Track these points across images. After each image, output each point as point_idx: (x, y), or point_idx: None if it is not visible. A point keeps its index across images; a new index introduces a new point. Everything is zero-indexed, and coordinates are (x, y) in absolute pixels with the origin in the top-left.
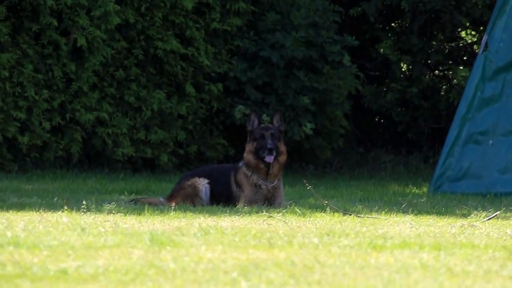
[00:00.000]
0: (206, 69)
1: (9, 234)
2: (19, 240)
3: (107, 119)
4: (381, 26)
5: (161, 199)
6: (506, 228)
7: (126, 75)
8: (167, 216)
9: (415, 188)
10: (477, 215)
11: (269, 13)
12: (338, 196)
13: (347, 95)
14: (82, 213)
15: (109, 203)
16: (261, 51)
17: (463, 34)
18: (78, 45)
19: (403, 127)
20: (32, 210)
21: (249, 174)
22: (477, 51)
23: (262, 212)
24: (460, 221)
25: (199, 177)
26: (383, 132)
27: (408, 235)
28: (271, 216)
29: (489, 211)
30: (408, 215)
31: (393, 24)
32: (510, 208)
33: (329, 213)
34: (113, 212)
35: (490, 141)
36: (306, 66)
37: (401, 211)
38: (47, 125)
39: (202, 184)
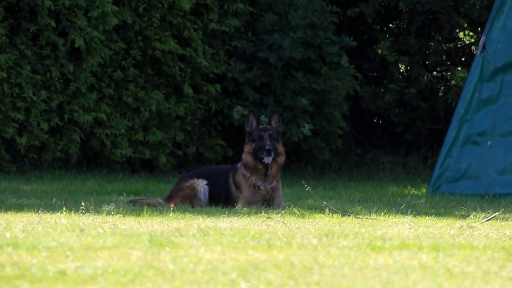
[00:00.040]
0: (204, 70)
1: (8, 235)
2: (18, 241)
3: (105, 120)
4: (379, 27)
5: (160, 200)
6: (505, 229)
7: (124, 76)
8: (166, 217)
9: (413, 189)
10: (476, 216)
11: (267, 14)
12: (336, 197)
13: (345, 96)
14: (81, 214)
15: (108, 204)
16: (259, 52)
17: (461, 35)
18: (76, 46)
19: (402, 128)
20: (30, 211)
21: (248, 175)
22: (475, 52)
23: (261, 213)
24: (459, 222)
25: (198, 178)
26: (381, 133)
27: (407, 236)
28: (270, 217)
29: (488, 212)
30: (407, 216)
31: (391, 25)
32: (509, 209)
33: (328, 214)
34: (112, 213)
35: (488, 142)
36: (304, 67)
37: (400, 212)
38: (45, 126)
39: (201, 185)
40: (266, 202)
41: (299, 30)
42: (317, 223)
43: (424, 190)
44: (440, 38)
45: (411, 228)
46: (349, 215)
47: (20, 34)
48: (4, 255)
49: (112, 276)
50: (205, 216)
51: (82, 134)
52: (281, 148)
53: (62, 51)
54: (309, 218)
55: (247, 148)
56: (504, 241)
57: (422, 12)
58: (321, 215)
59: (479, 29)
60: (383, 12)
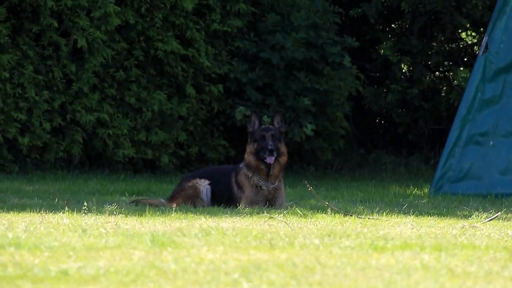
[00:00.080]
0: (207, 70)
1: (10, 235)
2: (20, 241)
3: (107, 120)
4: (381, 27)
5: (162, 200)
6: (507, 229)
7: (127, 76)
8: (168, 217)
9: (416, 189)
10: (478, 216)
11: (269, 14)
12: (339, 197)
13: (348, 96)
14: (83, 214)
15: (110, 204)
16: (262, 52)
17: (463, 35)
18: (78, 46)
19: (404, 128)
20: (33, 211)
21: (250, 175)
22: (477, 52)
23: (263, 213)
24: (461, 222)
25: (200, 178)
26: (383, 133)
27: (409, 236)
28: (272, 217)
29: (490, 212)
30: (409, 216)
31: (393, 25)
32: (511, 209)
33: (330, 214)
34: (114, 213)
35: (491, 142)
36: (307, 67)
37: (402, 212)
38: (47, 126)
39: (203, 185)
40: (268, 202)
41: (302, 30)
42: (319, 223)
43: (426, 190)
44: (442, 39)
45: (413, 228)
46: (351, 215)
47: (22, 35)
48: (6, 255)
49: (114, 276)
50: (207, 216)
51: (85, 134)
52: (283, 148)
53: (65, 52)
54: (311, 218)
55: (249, 148)
56: (506, 241)
57: (424, 13)
58: (323, 215)
59: (482, 29)
60: (385, 12)
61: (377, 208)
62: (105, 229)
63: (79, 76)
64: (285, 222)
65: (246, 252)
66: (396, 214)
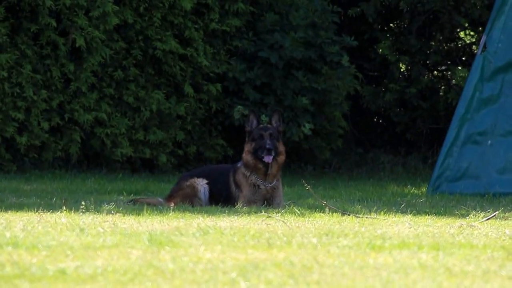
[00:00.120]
0: (205, 69)
1: (8, 234)
2: (18, 240)
3: (105, 119)
4: (379, 26)
5: (160, 200)
6: (505, 228)
7: (125, 75)
8: (166, 216)
9: (413, 188)
10: (475, 215)
11: (268, 14)
12: (336, 196)
13: (346, 95)
14: (81, 214)
15: (108, 203)
16: (260, 51)
17: (461, 34)
18: (77, 45)
19: (402, 128)
20: (31, 210)
21: (248, 174)
22: (475, 51)
23: (261, 212)
24: (459, 221)
25: (198, 177)
26: (381, 132)
27: (407, 235)
28: (270, 216)
29: (488, 211)
30: (407, 216)
31: (391, 25)
32: (509, 208)
33: (328, 213)
34: (112, 212)
35: (489, 142)
36: (305, 66)
37: (399, 211)
38: (45, 125)
39: (201, 184)
40: (266, 201)
41: (300, 29)
42: (317, 222)
43: (424, 190)
44: (440, 38)
45: (411, 227)
46: (349, 214)
47: (21, 34)
48: (4, 254)
49: (112, 275)
50: (205, 215)
51: (83, 134)
52: (281, 147)
53: (63, 51)
54: (309, 217)
55: (248, 147)
56: (503, 240)
57: (423, 12)
58: (321, 214)
59: (480, 28)
60: (384, 11)
61: (375, 207)
62: (103, 228)
63: (77, 75)
64: (283, 221)
65: (244, 251)
66: (394, 213)
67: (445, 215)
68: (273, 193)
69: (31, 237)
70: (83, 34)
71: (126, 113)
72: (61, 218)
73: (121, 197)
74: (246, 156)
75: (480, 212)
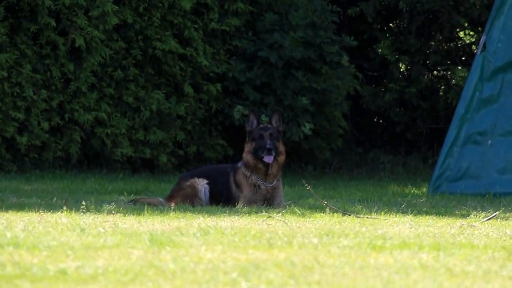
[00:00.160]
0: (205, 69)
1: (8, 234)
2: (18, 240)
3: (105, 119)
4: (379, 26)
5: (161, 200)
6: (506, 228)
7: (125, 75)
8: (166, 216)
9: (414, 188)
10: (476, 216)
11: (267, 14)
12: (337, 196)
13: (346, 95)
14: (82, 214)
15: (109, 203)
16: (260, 51)
17: (461, 34)
18: (76, 45)
19: (402, 128)
20: (31, 210)
21: (248, 174)
22: (475, 51)
23: (262, 212)
24: (459, 222)
25: (198, 177)
26: (381, 132)
27: (408, 235)
28: (270, 217)
29: (488, 212)
30: (407, 216)
31: (391, 25)
32: (509, 208)
33: (329, 213)
34: (113, 212)
35: (489, 142)
36: (305, 66)
37: (400, 211)
38: (45, 125)
39: (201, 184)
40: (266, 201)
41: (300, 29)
42: (317, 222)
43: (425, 190)
44: (440, 38)
45: (411, 227)
46: (349, 215)
47: (20, 34)
48: (5, 255)
49: (112, 276)
50: (206, 215)
51: (83, 134)
52: (281, 147)
53: (63, 51)
54: (309, 218)
55: (248, 147)
56: (504, 240)
57: (422, 12)
58: (322, 214)
59: (480, 28)
60: (383, 11)
61: (376, 208)
62: (103, 228)
63: (77, 75)
64: (283, 221)
65: (244, 252)
66: (394, 214)
67: (445, 215)
68: (274, 193)
69: (32, 237)
70: (83, 34)
71: (126, 113)
72: (62, 218)
73: (122, 197)
74: (247, 156)
75: (481, 212)
